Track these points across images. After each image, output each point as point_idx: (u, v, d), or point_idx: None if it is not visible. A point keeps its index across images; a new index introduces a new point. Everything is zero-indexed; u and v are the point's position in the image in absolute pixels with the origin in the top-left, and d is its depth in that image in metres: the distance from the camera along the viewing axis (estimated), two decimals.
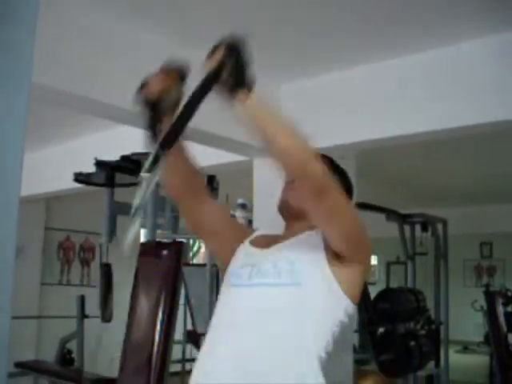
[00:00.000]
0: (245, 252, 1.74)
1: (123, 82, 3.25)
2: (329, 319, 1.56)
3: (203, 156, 3.58)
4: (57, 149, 5.79)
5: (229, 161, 4.35)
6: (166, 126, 1.40)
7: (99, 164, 3.63)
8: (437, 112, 3.32)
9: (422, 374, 6.88)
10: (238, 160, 4.27)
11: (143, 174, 1.33)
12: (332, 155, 1.83)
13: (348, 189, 1.75)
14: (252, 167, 4.18)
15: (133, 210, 1.33)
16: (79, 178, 3.90)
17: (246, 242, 1.78)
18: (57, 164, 5.71)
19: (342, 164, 1.86)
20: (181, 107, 1.41)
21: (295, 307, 1.54)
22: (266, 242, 1.72)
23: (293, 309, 1.54)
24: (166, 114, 1.45)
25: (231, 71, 1.38)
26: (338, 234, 1.54)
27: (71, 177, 3.94)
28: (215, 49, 1.42)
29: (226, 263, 1.76)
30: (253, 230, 1.94)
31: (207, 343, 1.61)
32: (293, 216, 1.72)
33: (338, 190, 1.51)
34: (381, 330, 5.89)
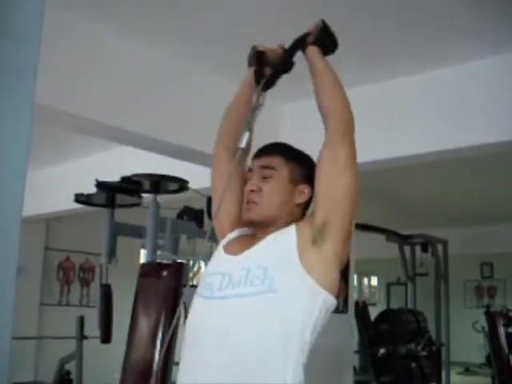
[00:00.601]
0: (217, 258, 1.70)
1: (124, 104, 3.29)
2: (310, 318, 1.51)
3: (203, 175, 3.60)
4: (57, 169, 5.81)
5: None
6: (267, 73, 1.82)
7: (100, 185, 3.64)
8: (439, 133, 3.34)
9: None
10: None
11: (254, 97, 1.79)
12: None
13: (311, 175, 1.68)
14: None
15: (246, 124, 1.73)
16: (80, 198, 3.90)
17: (220, 246, 1.74)
18: (57, 185, 5.72)
19: None
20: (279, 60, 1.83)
21: (272, 315, 1.49)
22: (239, 245, 1.67)
23: (269, 318, 1.49)
24: (268, 66, 1.83)
25: (325, 33, 1.79)
26: (341, 186, 1.55)
27: (71, 197, 3.94)
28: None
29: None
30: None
31: (184, 366, 1.57)
32: (261, 227, 1.68)
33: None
34: (381, 351, 5.86)
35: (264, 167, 1.71)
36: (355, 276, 10.48)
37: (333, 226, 1.55)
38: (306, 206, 1.73)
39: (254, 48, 1.88)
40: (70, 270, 7.81)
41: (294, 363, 1.48)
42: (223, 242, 1.76)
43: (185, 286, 3.26)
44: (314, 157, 1.74)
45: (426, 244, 7.57)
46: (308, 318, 1.51)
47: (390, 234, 7.12)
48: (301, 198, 1.70)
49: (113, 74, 3.13)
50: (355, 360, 6.96)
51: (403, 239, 7.37)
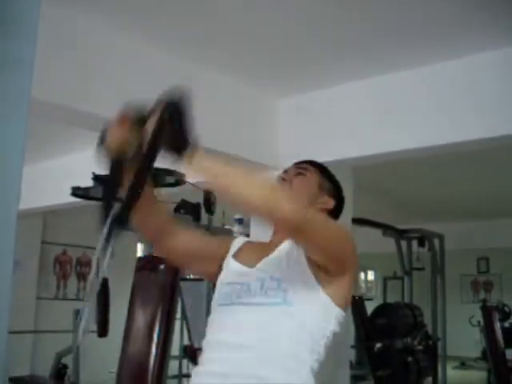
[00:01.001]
0: (232, 268, 1.73)
1: (122, 98, 3.28)
2: (321, 332, 1.55)
3: None
4: (54, 163, 5.79)
5: None
6: (126, 186, 1.36)
7: (97, 178, 3.63)
8: (435, 127, 3.34)
9: None
10: None
11: (98, 250, 1.29)
12: (330, 169, 1.86)
13: (337, 197, 1.79)
14: None
15: (88, 289, 1.31)
16: (76, 192, 3.88)
17: (230, 256, 1.76)
18: (54, 178, 5.71)
19: (339, 179, 1.87)
20: (130, 181, 1.35)
21: (288, 325, 1.53)
22: (252, 255, 1.71)
23: (286, 326, 1.52)
24: (129, 168, 1.37)
25: (171, 134, 1.33)
26: (321, 255, 1.54)
27: (68, 191, 3.93)
28: (153, 110, 1.36)
29: (215, 279, 1.77)
30: (232, 238, 1.92)
31: (200, 363, 1.62)
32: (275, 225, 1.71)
33: (316, 216, 1.54)
34: (378, 345, 5.88)
35: (299, 167, 1.80)
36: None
37: (335, 272, 1.57)
38: (328, 214, 1.75)
39: (101, 134, 1.42)
40: (66, 263, 7.81)
41: (306, 374, 1.52)
42: (231, 250, 1.79)
43: (181, 279, 3.26)
44: (314, 156, 1.77)
45: (423, 238, 7.58)
46: (321, 330, 1.56)
47: (386, 229, 7.14)
48: (325, 205, 1.75)
49: (112, 68, 3.12)
50: (351, 354, 6.98)
51: (400, 234, 7.39)
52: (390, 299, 10.44)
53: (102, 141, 1.38)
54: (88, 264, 7.89)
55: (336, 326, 1.59)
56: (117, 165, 1.36)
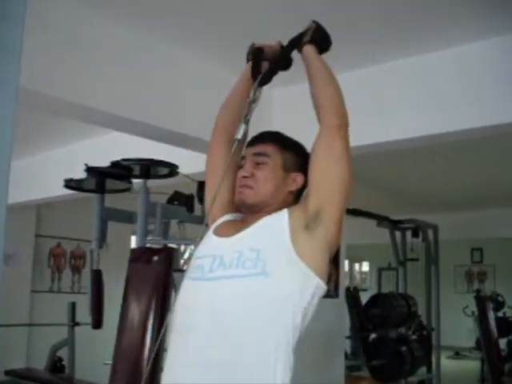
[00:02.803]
0: (208, 241, 1.70)
1: (114, 89, 3.27)
2: (300, 303, 1.52)
3: (194, 160, 3.59)
4: (47, 155, 5.78)
5: None
6: (264, 69, 1.91)
7: (90, 170, 3.62)
8: (428, 117, 3.34)
9: (413, 379, 6.90)
10: None
11: (251, 92, 1.84)
12: None
13: (304, 164, 1.70)
14: None
15: (243, 117, 1.76)
16: (70, 184, 3.88)
17: (210, 230, 1.74)
18: (47, 171, 5.69)
19: None
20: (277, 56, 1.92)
21: (263, 297, 1.49)
22: (230, 229, 1.68)
23: (260, 299, 1.49)
24: (266, 61, 1.93)
25: (319, 33, 1.88)
26: (337, 175, 1.58)
27: (62, 183, 3.92)
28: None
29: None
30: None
31: (172, 349, 1.57)
32: (252, 211, 1.69)
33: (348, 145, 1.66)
34: (372, 335, 5.90)
35: (258, 154, 1.72)
36: (346, 262, 10.53)
37: (326, 213, 1.56)
38: (298, 194, 1.74)
39: (252, 45, 1.96)
40: (61, 256, 7.80)
41: (284, 346, 1.49)
42: (213, 225, 1.76)
43: (175, 270, 3.27)
44: (307, 144, 1.75)
45: (417, 229, 7.60)
46: (300, 302, 1.52)
47: (381, 220, 7.15)
48: (293, 186, 1.72)
49: (102, 58, 3.10)
50: (347, 345, 7.01)
51: (394, 224, 7.41)
52: (385, 290, 10.47)
53: (253, 45, 1.95)
54: (82, 257, 7.89)
55: (315, 298, 1.55)
56: (259, 56, 1.93)
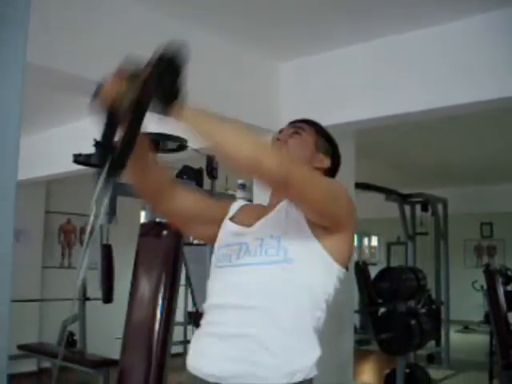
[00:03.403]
0: (230, 230, 1.72)
1: (110, 59, 3.24)
2: (322, 289, 1.56)
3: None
4: (57, 131, 5.78)
5: None
6: (119, 138, 1.34)
7: (98, 145, 3.62)
8: (436, 90, 3.31)
9: (422, 352, 6.93)
10: None
11: (93, 200, 1.34)
12: (332, 133, 1.85)
13: (333, 156, 1.79)
14: None
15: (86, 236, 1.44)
16: (78, 159, 3.88)
17: (227, 219, 1.76)
18: (57, 147, 5.70)
19: (341, 143, 1.86)
20: (122, 137, 1.34)
21: (289, 283, 1.53)
22: (250, 217, 1.70)
23: (287, 285, 1.52)
24: (122, 121, 1.34)
25: (160, 87, 1.34)
26: (313, 211, 1.53)
27: (71, 159, 3.93)
28: (149, 63, 1.34)
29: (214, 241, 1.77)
30: (231, 201, 1.90)
31: (201, 327, 1.63)
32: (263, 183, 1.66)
33: (303, 169, 1.51)
34: (381, 309, 5.91)
35: (295, 127, 1.79)
36: (355, 236, 10.55)
37: (332, 229, 1.55)
38: (323, 174, 1.74)
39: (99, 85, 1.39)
40: (70, 232, 7.84)
41: (310, 329, 1.54)
42: (228, 215, 1.78)
43: (185, 244, 3.27)
44: (319, 115, 1.74)
45: (426, 203, 7.58)
46: (323, 289, 1.57)
47: (389, 194, 7.12)
48: (320, 164, 1.75)
49: (112, 32, 3.07)
50: (356, 319, 7.03)
51: (403, 198, 7.37)
52: (394, 264, 10.46)
53: (97, 93, 1.36)
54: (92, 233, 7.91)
55: (337, 282, 1.59)
56: (111, 117, 1.34)
